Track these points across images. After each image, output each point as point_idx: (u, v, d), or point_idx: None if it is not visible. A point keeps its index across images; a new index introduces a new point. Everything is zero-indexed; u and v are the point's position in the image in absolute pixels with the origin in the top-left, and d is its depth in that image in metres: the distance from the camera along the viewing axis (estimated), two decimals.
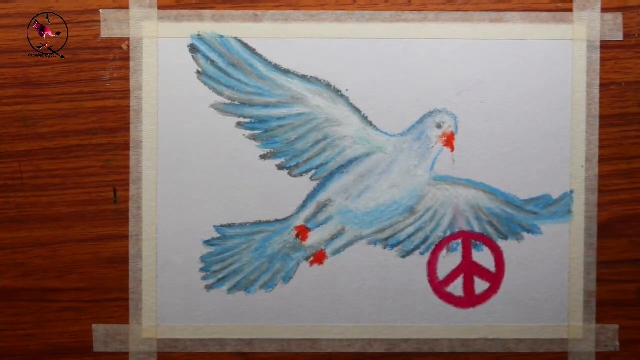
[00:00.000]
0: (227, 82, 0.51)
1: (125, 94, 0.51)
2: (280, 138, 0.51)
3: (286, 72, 0.51)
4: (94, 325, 0.51)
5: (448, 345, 0.51)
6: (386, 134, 0.51)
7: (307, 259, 0.51)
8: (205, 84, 0.51)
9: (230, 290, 0.51)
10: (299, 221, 0.51)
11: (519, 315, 0.51)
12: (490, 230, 0.51)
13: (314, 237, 0.51)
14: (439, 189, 0.51)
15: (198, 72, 0.51)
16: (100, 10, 0.51)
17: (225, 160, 0.51)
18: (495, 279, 0.51)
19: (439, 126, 0.51)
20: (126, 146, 0.51)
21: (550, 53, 0.51)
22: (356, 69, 0.51)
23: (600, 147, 0.51)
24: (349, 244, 0.51)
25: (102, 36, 0.51)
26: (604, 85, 0.51)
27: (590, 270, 0.51)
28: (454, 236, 0.51)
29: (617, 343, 0.52)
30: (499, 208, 0.51)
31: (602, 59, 0.51)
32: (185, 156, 0.51)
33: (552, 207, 0.51)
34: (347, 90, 0.51)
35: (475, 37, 0.51)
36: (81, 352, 0.51)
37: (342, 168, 0.51)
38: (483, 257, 0.51)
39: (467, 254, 0.51)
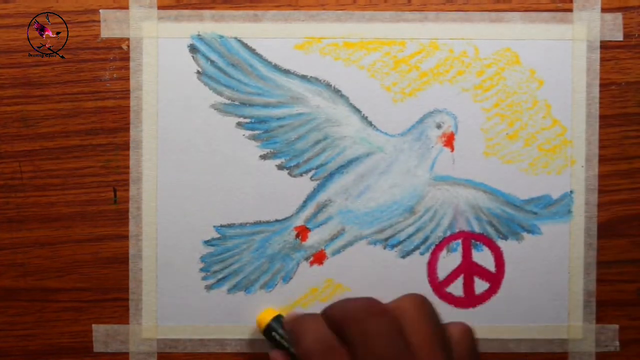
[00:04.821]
0: (227, 82, 0.51)
1: (125, 94, 0.51)
2: (280, 138, 0.51)
3: (286, 72, 0.51)
4: (94, 325, 0.51)
5: None
6: (386, 134, 0.51)
7: (307, 259, 0.51)
8: (205, 84, 0.51)
9: (230, 290, 0.51)
10: (299, 221, 0.51)
11: (519, 315, 0.51)
12: (490, 231, 0.51)
13: (314, 237, 0.51)
14: (439, 189, 0.51)
15: (198, 72, 0.51)
16: (100, 11, 0.51)
17: (225, 160, 0.51)
18: (495, 279, 0.51)
19: (439, 126, 0.51)
20: (126, 146, 0.51)
21: (550, 53, 0.51)
22: (356, 69, 0.51)
23: (600, 147, 0.51)
24: (349, 244, 0.51)
25: (102, 36, 0.51)
26: (604, 85, 0.51)
27: (590, 270, 0.51)
28: (454, 236, 0.51)
29: (617, 343, 0.52)
30: (499, 208, 0.51)
31: (602, 59, 0.51)
32: (185, 156, 0.51)
33: (552, 207, 0.51)
34: (346, 90, 0.51)
35: (475, 37, 0.51)
36: (81, 352, 0.51)
37: (342, 168, 0.51)
38: (483, 257, 0.51)
39: (467, 254, 0.51)
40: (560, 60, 0.51)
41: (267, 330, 0.48)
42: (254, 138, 0.51)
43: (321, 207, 0.51)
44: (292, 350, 0.46)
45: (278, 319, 0.49)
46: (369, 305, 0.38)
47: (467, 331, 0.40)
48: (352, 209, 0.51)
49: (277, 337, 0.48)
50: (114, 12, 0.51)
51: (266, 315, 0.49)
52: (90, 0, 0.51)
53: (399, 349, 0.36)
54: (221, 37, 0.51)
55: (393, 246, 0.51)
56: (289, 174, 0.51)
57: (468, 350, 0.39)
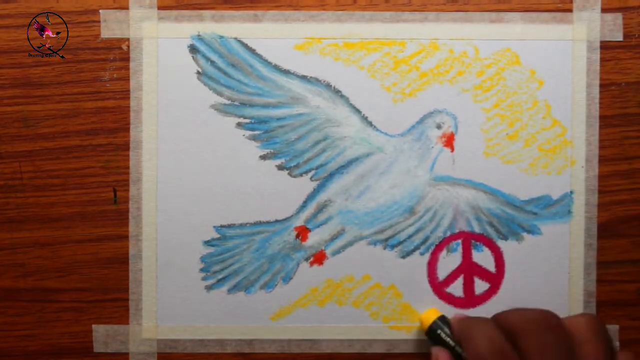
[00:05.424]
0: (227, 82, 0.51)
1: (125, 94, 0.51)
2: (280, 138, 0.51)
3: (286, 72, 0.51)
4: (94, 326, 0.51)
5: None
6: (386, 134, 0.51)
7: (307, 259, 0.51)
8: (205, 84, 0.51)
9: (230, 291, 0.51)
10: (299, 221, 0.51)
11: None
12: (490, 231, 0.51)
13: (314, 238, 0.51)
14: (439, 189, 0.51)
15: (198, 72, 0.51)
16: (100, 11, 0.51)
17: (225, 160, 0.51)
18: (495, 279, 0.51)
19: (439, 126, 0.51)
20: (126, 146, 0.51)
21: (550, 53, 0.51)
22: (356, 69, 0.51)
23: (600, 147, 0.51)
24: (349, 244, 0.51)
25: (102, 36, 0.51)
26: (604, 86, 0.51)
27: (590, 270, 0.51)
28: (453, 236, 0.51)
29: (617, 343, 0.52)
30: (499, 208, 0.51)
31: (602, 60, 0.51)
32: (185, 156, 0.51)
33: (552, 207, 0.51)
34: (346, 90, 0.51)
35: (475, 37, 0.51)
36: (81, 352, 0.51)
37: (342, 168, 0.51)
38: (483, 257, 0.51)
39: (467, 255, 0.51)
40: (560, 60, 0.51)
41: (432, 328, 0.49)
42: (254, 138, 0.51)
43: (321, 208, 0.51)
44: (457, 349, 0.46)
45: (443, 319, 0.49)
46: (547, 318, 0.39)
47: None
48: (352, 209, 0.51)
49: (443, 335, 0.48)
50: (114, 12, 0.51)
51: (431, 314, 0.49)
52: (90, 0, 0.51)
53: None
54: (221, 37, 0.51)
55: (393, 246, 0.51)
56: (289, 174, 0.51)
57: None
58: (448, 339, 0.48)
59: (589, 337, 0.39)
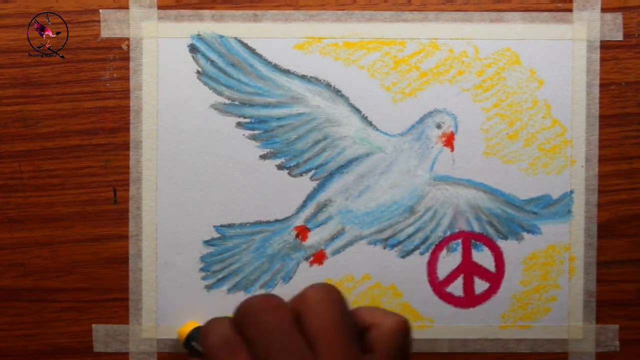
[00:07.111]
0: (227, 82, 0.51)
1: (125, 94, 0.51)
2: (280, 138, 0.51)
3: (286, 72, 0.51)
4: (93, 325, 0.51)
5: (448, 345, 0.51)
6: (386, 134, 0.51)
7: (307, 259, 0.51)
8: (205, 84, 0.51)
9: (230, 290, 0.51)
10: (299, 221, 0.51)
11: (519, 315, 0.51)
12: (490, 230, 0.51)
13: (314, 237, 0.51)
14: (439, 189, 0.51)
15: (198, 72, 0.51)
16: (100, 10, 0.51)
17: (225, 160, 0.51)
18: (495, 279, 0.51)
19: (438, 126, 0.51)
20: (126, 146, 0.51)
21: (550, 53, 0.51)
22: (356, 69, 0.51)
23: (600, 147, 0.51)
24: (349, 244, 0.51)
25: (102, 36, 0.51)
26: (604, 85, 0.51)
27: (590, 270, 0.51)
28: (453, 236, 0.51)
29: (617, 343, 0.52)
30: (499, 208, 0.51)
31: (602, 59, 0.51)
32: (185, 156, 0.51)
33: (552, 207, 0.51)
34: (346, 90, 0.51)
35: (475, 37, 0.51)
36: (81, 352, 0.51)
37: (342, 168, 0.51)
38: (483, 257, 0.51)
39: (467, 254, 0.51)
40: (560, 60, 0.51)
41: (187, 341, 0.49)
42: (254, 138, 0.51)
43: (321, 207, 0.51)
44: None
45: (199, 329, 0.48)
46: (264, 300, 0.38)
47: (400, 328, 0.37)
48: (352, 209, 0.51)
49: (196, 345, 0.48)
50: (114, 12, 0.51)
51: (187, 328, 0.49)
52: (90, 0, 0.51)
53: (294, 341, 0.36)
54: (221, 37, 0.51)
55: (393, 246, 0.51)
56: (289, 174, 0.51)
57: (395, 348, 0.36)
58: (200, 347, 0.47)
59: (315, 300, 0.38)
